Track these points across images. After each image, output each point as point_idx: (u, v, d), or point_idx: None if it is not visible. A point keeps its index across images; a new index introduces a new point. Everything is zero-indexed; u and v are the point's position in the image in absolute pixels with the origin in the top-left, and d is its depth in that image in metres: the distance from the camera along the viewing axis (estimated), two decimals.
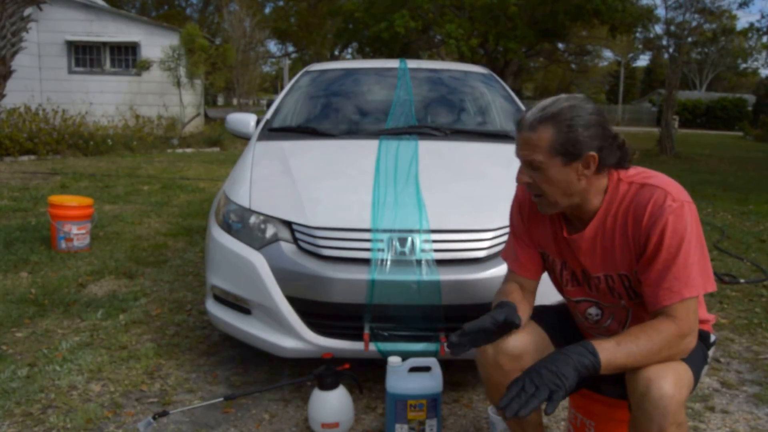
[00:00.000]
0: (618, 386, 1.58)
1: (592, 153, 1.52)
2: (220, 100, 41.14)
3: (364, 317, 2.33)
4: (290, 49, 34.37)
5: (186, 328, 3.25)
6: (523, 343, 1.67)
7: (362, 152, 2.96)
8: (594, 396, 1.81)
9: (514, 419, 1.75)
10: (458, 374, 2.72)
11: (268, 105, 4.93)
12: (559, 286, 1.83)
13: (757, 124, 27.95)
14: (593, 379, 1.75)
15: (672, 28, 17.00)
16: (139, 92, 14.88)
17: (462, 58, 17.45)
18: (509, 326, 1.63)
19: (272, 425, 2.35)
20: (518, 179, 1.60)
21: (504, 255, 1.89)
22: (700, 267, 1.50)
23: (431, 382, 2.17)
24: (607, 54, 40.13)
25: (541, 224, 1.77)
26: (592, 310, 1.76)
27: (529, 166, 1.56)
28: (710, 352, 1.76)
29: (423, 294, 2.28)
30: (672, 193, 1.52)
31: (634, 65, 53.39)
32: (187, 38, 14.27)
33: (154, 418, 2.12)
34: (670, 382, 1.43)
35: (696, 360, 1.60)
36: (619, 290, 1.65)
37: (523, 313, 1.72)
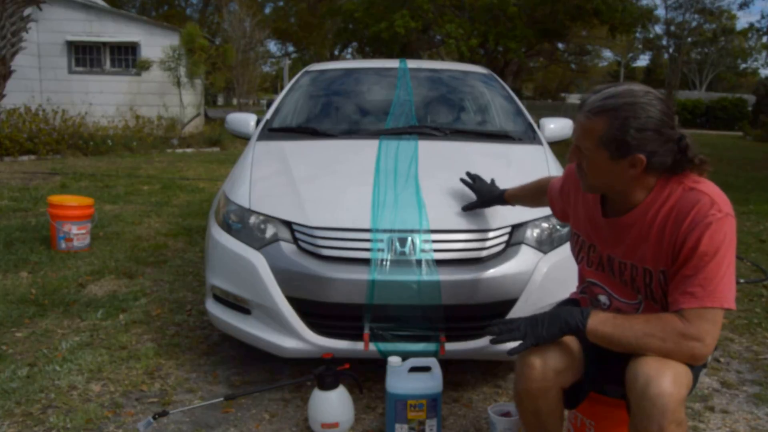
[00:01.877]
0: (620, 386, 1.58)
1: (641, 156, 1.50)
2: (220, 100, 41.10)
3: (364, 317, 2.33)
4: (290, 49, 34.40)
5: (186, 328, 3.25)
6: (567, 359, 1.67)
7: (362, 152, 2.96)
8: (594, 396, 1.81)
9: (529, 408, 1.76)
10: (458, 374, 2.73)
11: (268, 105, 4.93)
12: (582, 269, 1.84)
13: (757, 124, 27.93)
14: (596, 380, 1.77)
15: (672, 28, 17.01)
16: (139, 92, 14.87)
17: (462, 58, 17.45)
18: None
19: (272, 425, 2.35)
20: (569, 157, 1.65)
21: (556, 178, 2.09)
22: (728, 282, 1.48)
23: (431, 382, 2.17)
24: (607, 54, 40.11)
25: (579, 204, 1.81)
26: (602, 298, 1.76)
27: (578, 148, 1.58)
28: (710, 357, 1.76)
29: (423, 294, 2.28)
30: (718, 203, 1.50)
31: (634, 65, 53.35)
32: (187, 38, 14.25)
33: (154, 418, 2.12)
34: (668, 380, 1.43)
35: None
36: (638, 284, 1.64)
37: (517, 190, 2.37)
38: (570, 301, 1.95)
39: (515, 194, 2.39)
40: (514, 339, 1.60)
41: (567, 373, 1.67)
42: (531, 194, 2.30)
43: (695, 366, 1.60)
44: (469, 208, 2.50)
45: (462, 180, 2.58)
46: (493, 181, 2.57)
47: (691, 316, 1.47)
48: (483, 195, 2.49)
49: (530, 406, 1.72)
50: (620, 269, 1.68)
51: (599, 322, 1.53)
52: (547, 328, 1.58)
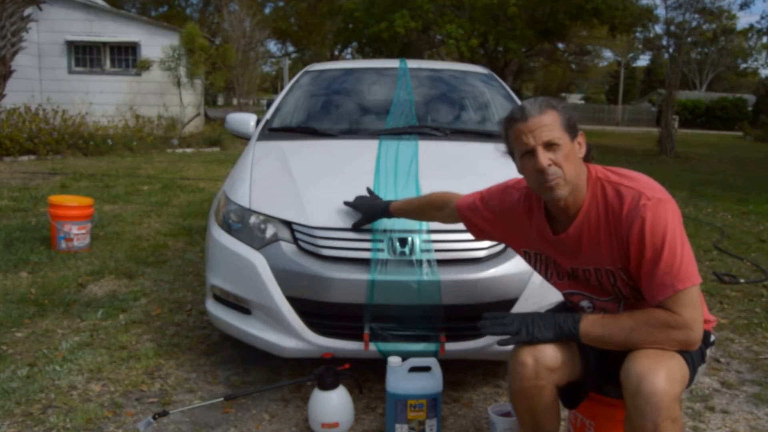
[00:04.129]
0: (618, 386, 1.58)
1: (581, 131, 1.65)
2: (220, 100, 41.12)
3: (364, 317, 2.33)
4: (290, 49, 34.39)
5: (186, 328, 3.25)
6: (561, 357, 1.68)
7: (362, 152, 2.96)
8: (594, 396, 1.81)
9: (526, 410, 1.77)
10: (458, 374, 2.73)
11: (268, 105, 4.93)
12: (555, 284, 1.87)
13: (757, 124, 27.96)
14: (595, 381, 1.77)
15: (672, 28, 17.00)
16: (139, 92, 14.88)
17: (462, 58, 17.45)
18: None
19: (272, 425, 2.35)
20: (542, 163, 1.59)
21: (464, 196, 2.06)
22: (688, 259, 1.52)
23: (431, 382, 2.17)
24: (607, 54, 40.14)
25: (526, 227, 1.83)
26: (584, 303, 1.79)
27: (546, 146, 1.60)
28: (708, 351, 1.77)
29: (423, 294, 2.28)
30: (645, 192, 1.55)
31: (634, 65, 53.35)
32: (187, 38, 14.26)
33: (154, 418, 2.12)
34: (661, 377, 1.44)
35: (692, 356, 1.61)
36: (606, 286, 1.68)
37: (403, 204, 2.28)
38: (564, 305, 1.95)
39: (401, 207, 2.30)
40: (507, 333, 1.65)
41: (561, 371, 1.67)
42: (419, 209, 2.26)
43: (693, 362, 1.61)
44: (357, 226, 2.38)
45: (346, 203, 2.44)
46: (371, 192, 2.49)
47: (670, 305, 1.50)
48: (366, 210, 2.38)
49: (525, 405, 1.73)
50: (586, 276, 1.71)
51: (590, 325, 1.59)
52: (542, 331, 1.63)
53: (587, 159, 1.68)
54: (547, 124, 1.60)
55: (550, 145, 1.59)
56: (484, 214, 1.96)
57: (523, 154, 1.65)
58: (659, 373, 1.44)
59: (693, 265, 1.53)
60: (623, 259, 1.59)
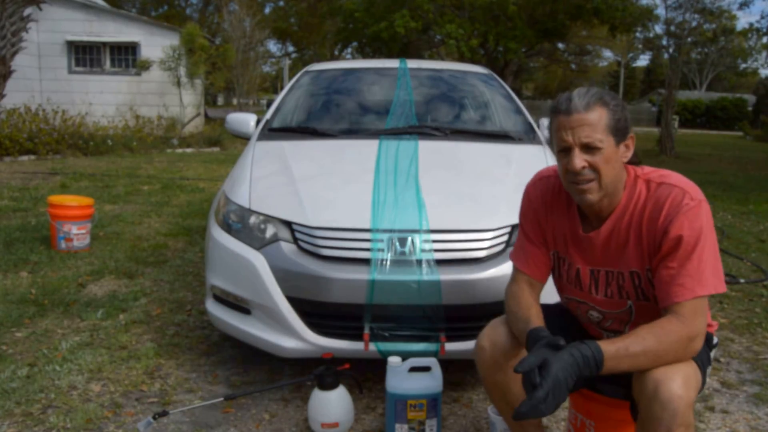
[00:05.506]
0: (618, 386, 1.58)
1: (631, 134, 1.57)
2: (220, 100, 41.12)
3: (364, 317, 2.33)
4: (290, 49, 34.40)
5: (186, 328, 3.25)
6: (518, 343, 1.68)
7: (362, 152, 2.96)
8: (594, 396, 1.81)
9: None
10: (458, 374, 2.72)
11: (268, 105, 4.93)
12: (562, 288, 1.82)
13: (757, 124, 27.96)
14: (593, 380, 1.76)
15: (672, 28, 16.99)
16: (139, 92, 14.88)
17: (462, 58, 17.45)
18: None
19: (272, 425, 2.35)
20: (576, 165, 1.51)
21: (513, 256, 1.84)
22: (713, 267, 1.49)
23: (431, 382, 2.17)
24: (607, 54, 40.06)
25: (558, 223, 1.75)
26: (593, 313, 1.75)
27: (585, 148, 1.52)
28: (712, 354, 1.77)
29: (423, 294, 2.28)
30: (690, 192, 1.52)
31: (634, 65, 53.37)
32: (187, 38, 14.26)
33: (154, 418, 2.12)
34: (678, 383, 1.42)
35: (702, 360, 1.60)
36: (628, 289, 1.63)
37: (540, 320, 1.66)
38: (558, 307, 1.90)
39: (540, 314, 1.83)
40: (545, 414, 1.38)
41: (519, 355, 1.67)
42: (535, 300, 1.80)
43: (703, 366, 1.60)
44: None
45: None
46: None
47: (686, 311, 1.46)
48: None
49: (495, 393, 1.78)
50: (606, 280, 1.66)
51: (614, 364, 1.43)
52: (568, 387, 1.39)
53: (631, 162, 1.60)
54: (591, 123, 1.50)
55: (588, 148, 1.51)
56: (537, 229, 1.79)
57: (559, 150, 1.57)
58: (676, 379, 1.42)
59: (716, 273, 1.48)
60: (652, 258, 1.54)
